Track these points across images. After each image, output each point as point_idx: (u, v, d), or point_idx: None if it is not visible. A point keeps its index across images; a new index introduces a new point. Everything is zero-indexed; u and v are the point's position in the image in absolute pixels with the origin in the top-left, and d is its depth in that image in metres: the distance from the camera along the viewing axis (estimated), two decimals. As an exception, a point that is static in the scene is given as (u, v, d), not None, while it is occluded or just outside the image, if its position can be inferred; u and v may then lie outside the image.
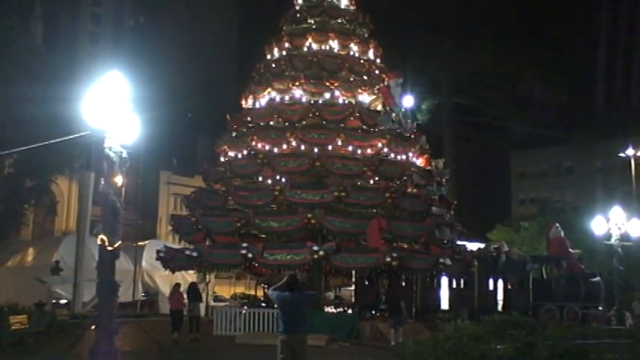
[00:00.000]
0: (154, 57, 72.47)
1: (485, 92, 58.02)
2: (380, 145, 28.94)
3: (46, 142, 22.12)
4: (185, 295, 25.28)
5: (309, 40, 32.22)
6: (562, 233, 33.21)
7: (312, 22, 33.10)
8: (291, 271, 18.55)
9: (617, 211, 30.97)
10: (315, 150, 28.18)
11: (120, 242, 13.32)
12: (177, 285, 26.03)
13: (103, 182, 13.49)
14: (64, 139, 20.87)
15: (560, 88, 58.80)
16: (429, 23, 57.32)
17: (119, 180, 15.04)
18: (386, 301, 26.17)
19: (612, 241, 30.48)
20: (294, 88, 30.60)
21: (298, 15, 33.41)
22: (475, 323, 21.13)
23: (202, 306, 29.27)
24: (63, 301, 34.10)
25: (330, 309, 29.02)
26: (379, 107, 30.96)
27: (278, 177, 28.24)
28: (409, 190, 29.19)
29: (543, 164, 78.23)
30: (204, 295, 30.35)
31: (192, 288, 25.94)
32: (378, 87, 31.64)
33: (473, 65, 56.80)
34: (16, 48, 34.28)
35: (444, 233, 28.50)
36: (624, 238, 30.75)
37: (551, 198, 70.82)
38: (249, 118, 30.96)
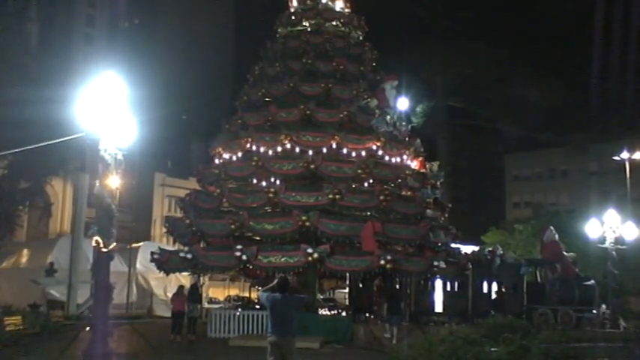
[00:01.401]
0: (148, 59, 72.46)
1: (480, 95, 58.19)
2: (374, 147, 28.89)
3: (41, 144, 21.99)
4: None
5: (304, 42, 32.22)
6: (556, 236, 33.19)
7: (307, 24, 33.12)
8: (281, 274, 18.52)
9: (611, 215, 30.94)
10: (310, 152, 28.12)
11: (114, 244, 13.32)
12: (181, 287, 26.14)
13: (97, 184, 13.47)
14: (58, 140, 20.75)
15: (555, 91, 58.88)
16: (424, 26, 57.40)
17: (114, 182, 15.06)
18: (386, 300, 26.01)
19: (607, 244, 30.46)
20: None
21: (293, 17, 33.42)
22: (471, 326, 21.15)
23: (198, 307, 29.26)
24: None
25: (324, 311, 28.98)
26: (374, 110, 30.97)
27: (272, 179, 28.15)
28: (404, 192, 29.19)
29: (538, 167, 78.36)
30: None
31: (193, 289, 26.01)
32: (372, 89, 31.64)
33: (468, 68, 57.02)
34: (11, 49, 34.21)
35: (438, 236, 28.50)
36: (619, 241, 30.70)
37: (545, 201, 70.87)
38: (241, 121, 30.95)
